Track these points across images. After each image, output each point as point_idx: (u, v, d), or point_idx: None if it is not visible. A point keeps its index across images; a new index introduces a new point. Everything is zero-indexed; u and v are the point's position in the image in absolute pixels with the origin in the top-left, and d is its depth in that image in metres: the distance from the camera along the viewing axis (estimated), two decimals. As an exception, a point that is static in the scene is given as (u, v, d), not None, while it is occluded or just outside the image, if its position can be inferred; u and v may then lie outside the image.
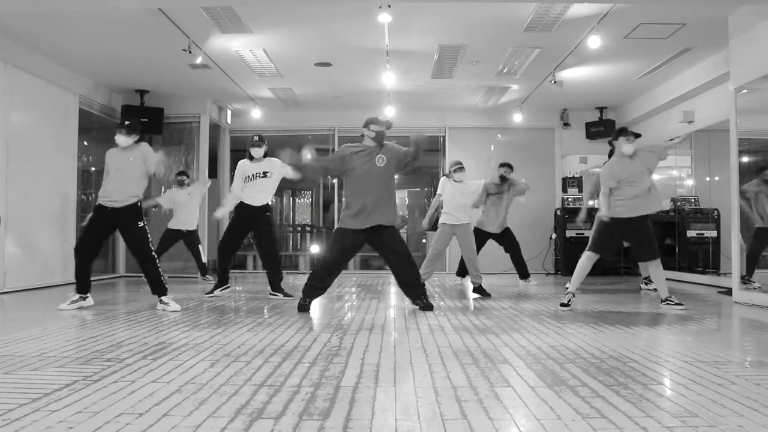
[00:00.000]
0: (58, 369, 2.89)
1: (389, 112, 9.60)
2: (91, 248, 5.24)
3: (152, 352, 3.32)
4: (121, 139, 5.20)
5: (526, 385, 2.60)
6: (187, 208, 7.94)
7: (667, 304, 5.29)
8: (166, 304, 5.19)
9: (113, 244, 9.48)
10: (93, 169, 9.81)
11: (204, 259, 8.29)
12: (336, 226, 5.39)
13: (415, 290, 5.23)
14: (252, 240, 6.54)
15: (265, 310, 5.25)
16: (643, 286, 7.09)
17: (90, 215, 5.30)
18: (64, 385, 2.56)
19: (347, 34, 6.73)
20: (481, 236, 7.43)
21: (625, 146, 5.25)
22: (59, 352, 3.31)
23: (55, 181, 7.76)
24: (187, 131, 9.69)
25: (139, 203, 5.24)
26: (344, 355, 3.23)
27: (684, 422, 2.09)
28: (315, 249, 12.46)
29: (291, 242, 14.58)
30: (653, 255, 5.26)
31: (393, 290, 7.13)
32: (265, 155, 6.16)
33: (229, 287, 6.36)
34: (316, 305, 5.48)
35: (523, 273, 7.86)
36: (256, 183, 6.07)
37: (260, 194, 6.07)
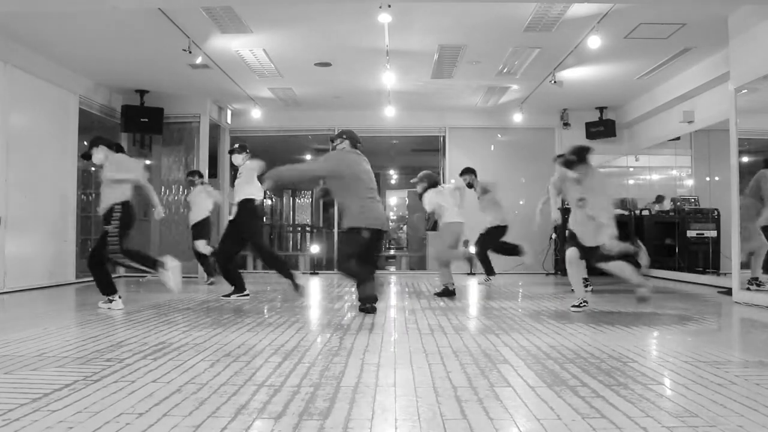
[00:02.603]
0: (58, 369, 2.89)
1: (389, 112, 9.63)
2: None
3: (152, 352, 3.32)
4: None
5: (526, 385, 2.60)
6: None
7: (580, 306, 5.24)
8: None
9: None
10: (93, 169, 9.80)
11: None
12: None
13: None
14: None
15: (265, 310, 5.25)
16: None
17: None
18: (64, 385, 2.56)
19: (347, 34, 6.73)
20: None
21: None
22: (59, 352, 3.31)
23: (55, 181, 7.75)
24: (187, 131, 9.69)
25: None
26: (344, 355, 3.23)
27: (684, 422, 2.09)
28: (315, 249, 12.44)
29: (291, 242, 14.59)
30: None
31: (393, 290, 7.13)
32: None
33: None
34: (316, 305, 5.47)
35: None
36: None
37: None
